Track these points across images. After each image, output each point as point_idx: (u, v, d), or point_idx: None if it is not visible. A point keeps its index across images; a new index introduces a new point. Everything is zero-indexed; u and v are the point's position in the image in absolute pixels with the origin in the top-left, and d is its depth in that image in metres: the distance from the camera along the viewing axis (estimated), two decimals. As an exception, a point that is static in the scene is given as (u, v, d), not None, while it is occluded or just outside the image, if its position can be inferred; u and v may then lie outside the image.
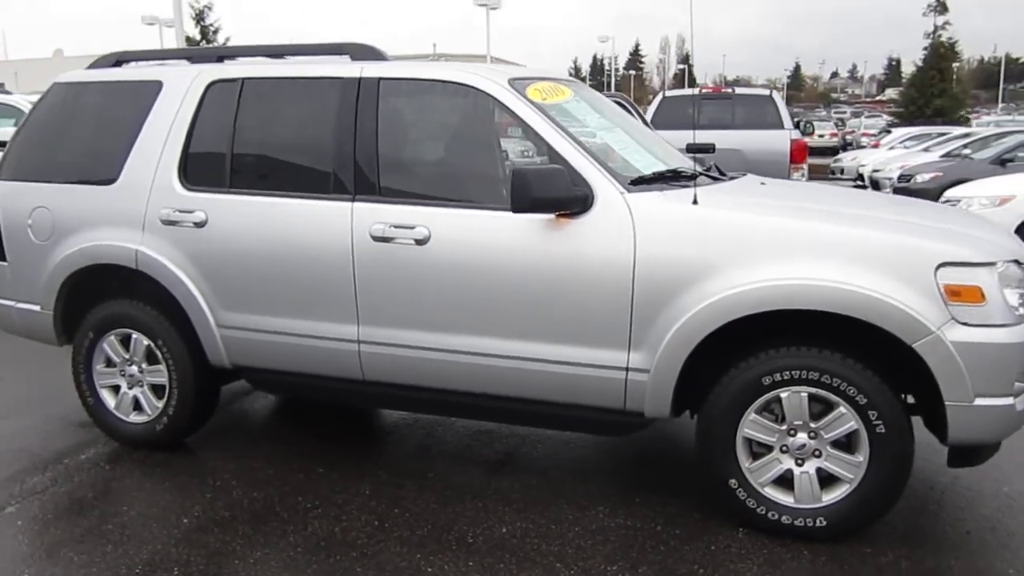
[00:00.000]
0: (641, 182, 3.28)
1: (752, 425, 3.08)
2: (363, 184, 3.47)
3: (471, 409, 3.56)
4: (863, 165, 17.84)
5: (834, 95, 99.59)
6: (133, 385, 4.01)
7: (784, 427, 3.06)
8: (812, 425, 3.03)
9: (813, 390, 2.99)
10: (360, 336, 3.49)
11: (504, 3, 37.68)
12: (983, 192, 9.28)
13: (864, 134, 27.96)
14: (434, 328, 3.38)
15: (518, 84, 3.45)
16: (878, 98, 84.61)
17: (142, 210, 3.80)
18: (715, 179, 3.63)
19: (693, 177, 3.39)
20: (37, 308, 4.10)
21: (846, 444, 3.02)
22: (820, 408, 3.02)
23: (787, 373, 2.99)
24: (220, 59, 4.03)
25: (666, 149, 3.95)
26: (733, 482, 3.12)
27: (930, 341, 2.80)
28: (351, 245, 3.43)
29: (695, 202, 3.10)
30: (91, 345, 4.02)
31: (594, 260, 3.13)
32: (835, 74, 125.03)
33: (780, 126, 9.84)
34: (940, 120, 27.35)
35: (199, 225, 3.69)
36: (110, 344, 3.99)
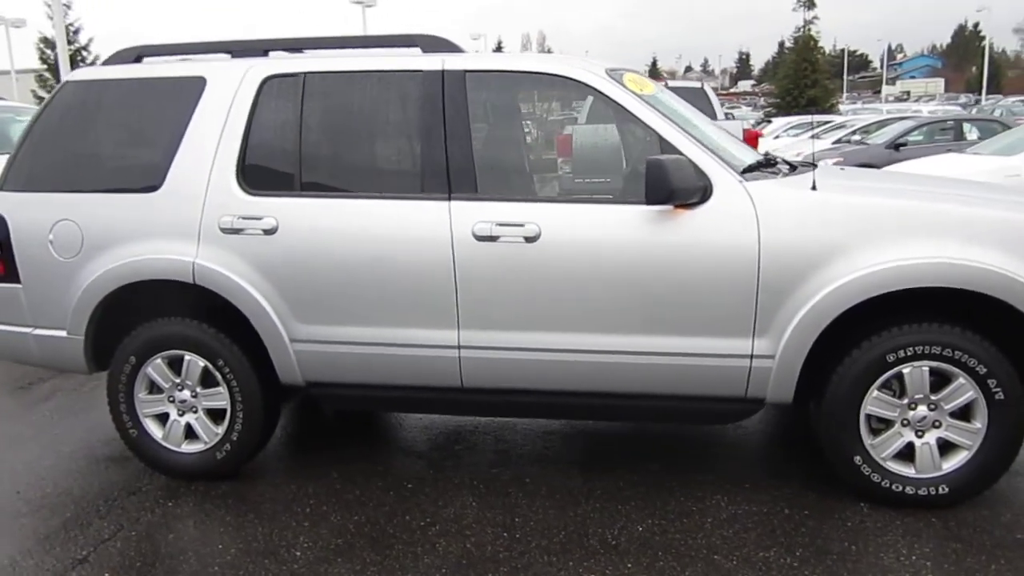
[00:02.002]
0: (749, 170, 3.30)
1: (875, 402, 3.17)
2: (460, 182, 3.31)
3: (579, 409, 3.48)
4: (756, 153, 18.71)
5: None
6: (185, 412, 3.66)
7: (905, 401, 3.17)
8: (932, 398, 3.15)
9: (934, 364, 3.10)
10: (461, 341, 3.34)
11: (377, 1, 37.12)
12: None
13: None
14: (545, 328, 3.27)
15: (615, 75, 3.39)
16: (731, 90, 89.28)
17: (196, 218, 3.47)
18: (793, 168, 3.70)
19: (813, 165, 3.43)
20: (62, 334, 3.67)
21: (962, 413, 3.17)
22: (936, 380, 3.15)
23: (911, 349, 3.10)
24: (265, 52, 3.73)
25: (736, 141, 3.99)
26: (858, 459, 3.20)
27: None
28: (451, 246, 3.27)
29: (814, 188, 3.16)
30: (133, 371, 3.63)
31: (719, 249, 3.13)
32: (689, 68, 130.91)
33: (714, 117, 10.18)
34: (814, 109, 29.24)
35: (269, 232, 3.40)
36: (156, 368, 3.63)
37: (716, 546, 3.01)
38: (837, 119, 20.79)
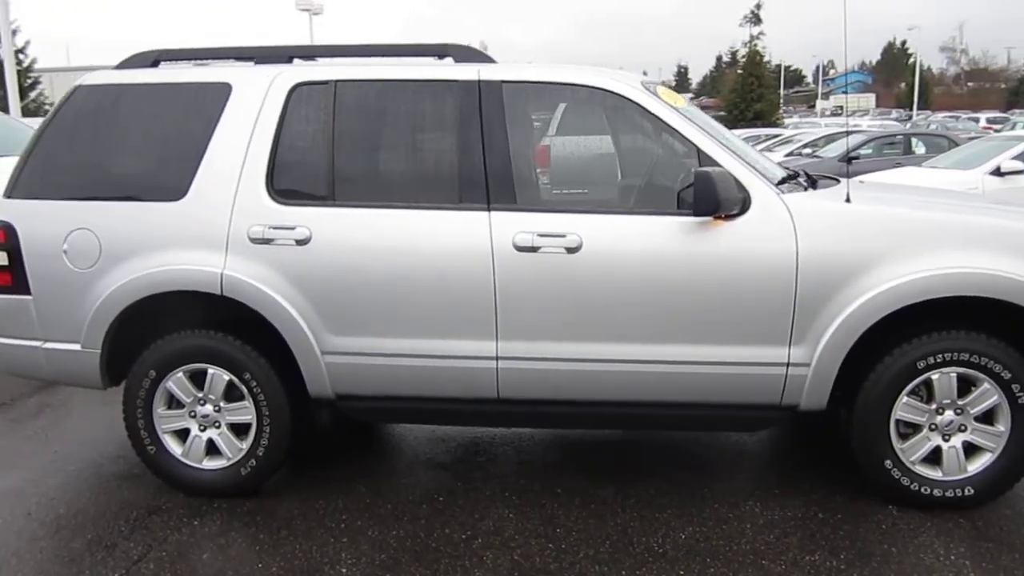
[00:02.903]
0: (782, 183, 3.38)
1: (905, 407, 3.27)
2: (499, 193, 3.30)
3: (615, 419, 3.50)
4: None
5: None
6: (207, 427, 3.55)
7: (933, 406, 3.28)
8: (959, 403, 3.27)
9: (962, 370, 3.22)
10: (499, 352, 3.32)
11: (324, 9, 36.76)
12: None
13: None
14: (585, 338, 3.29)
15: (649, 87, 3.44)
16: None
17: (223, 228, 3.39)
18: (814, 182, 3.79)
19: (846, 175, 3.52)
20: (75, 347, 3.53)
21: (985, 417, 3.29)
22: (961, 385, 3.27)
23: (940, 356, 3.21)
24: (290, 59, 3.67)
25: (761, 154, 4.07)
26: (888, 463, 3.30)
27: None
28: (491, 257, 3.26)
29: (848, 200, 3.25)
30: (152, 386, 3.51)
31: (758, 260, 3.19)
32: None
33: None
34: (760, 123, 30.05)
35: (302, 242, 3.34)
36: (177, 382, 3.51)
37: (761, 551, 3.06)
38: (785, 133, 21.39)
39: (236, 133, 3.44)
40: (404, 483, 3.73)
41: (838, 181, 3.68)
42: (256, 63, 3.67)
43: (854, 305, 3.16)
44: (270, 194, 3.39)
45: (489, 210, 3.29)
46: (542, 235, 3.24)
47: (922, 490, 3.30)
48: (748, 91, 34.04)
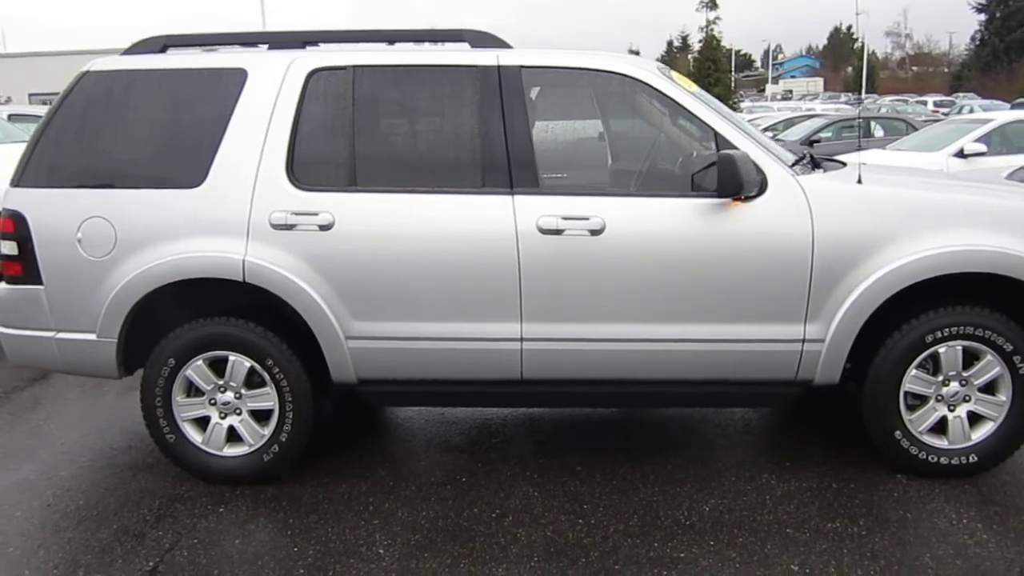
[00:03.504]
0: (793, 165, 3.48)
1: (913, 380, 3.41)
2: (521, 176, 3.34)
3: (635, 397, 3.59)
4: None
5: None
6: (227, 414, 3.54)
7: (939, 378, 3.43)
8: (964, 374, 3.42)
9: (967, 343, 3.37)
10: (523, 334, 3.38)
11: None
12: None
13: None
14: (608, 319, 3.36)
15: (665, 72, 3.50)
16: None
17: (244, 215, 3.37)
18: (817, 164, 3.90)
19: (842, 163, 3.63)
20: (91, 337, 3.48)
21: (988, 387, 3.45)
22: (965, 358, 3.42)
23: (947, 330, 3.35)
24: (304, 45, 3.64)
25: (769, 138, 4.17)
26: (898, 434, 3.44)
27: None
28: (515, 240, 3.30)
29: (859, 181, 3.37)
30: (172, 374, 3.49)
31: (775, 239, 3.29)
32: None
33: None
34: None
35: (325, 228, 3.34)
36: (197, 370, 3.49)
37: (784, 521, 3.17)
38: (746, 117, 21.69)
39: (254, 119, 3.42)
40: (423, 465, 3.77)
41: (844, 164, 3.80)
42: (269, 48, 3.65)
43: (867, 283, 3.28)
44: (291, 180, 3.38)
45: (512, 194, 3.33)
46: (566, 218, 3.29)
47: (929, 459, 3.45)
48: (705, 75, 34.49)
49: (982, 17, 53.34)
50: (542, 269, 3.32)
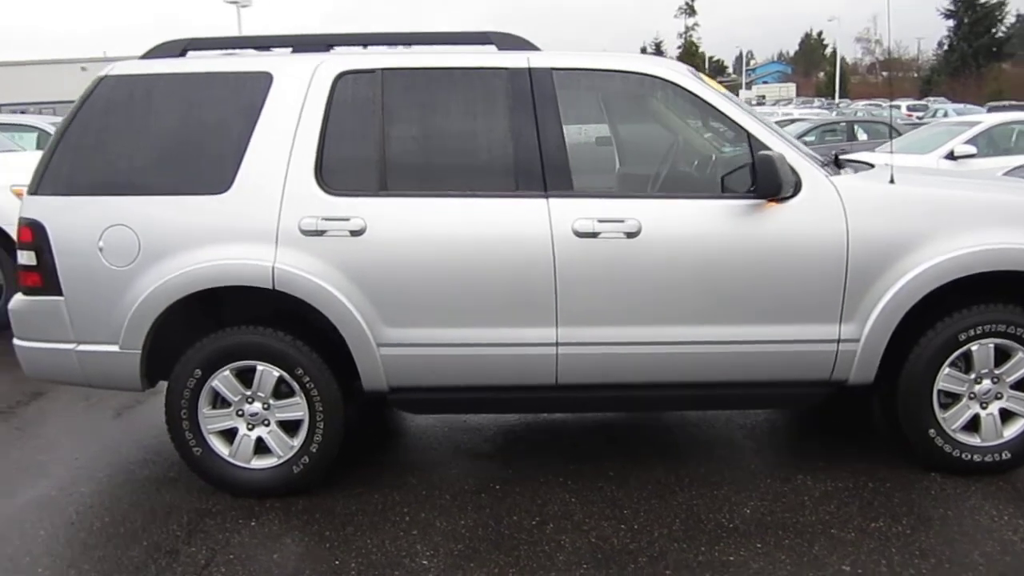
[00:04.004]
0: (824, 166, 3.48)
1: (946, 378, 3.42)
2: (555, 179, 3.31)
3: (669, 401, 3.57)
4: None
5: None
6: (255, 425, 3.46)
7: (972, 376, 3.44)
8: (996, 372, 3.43)
9: (999, 340, 3.39)
10: (559, 338, 3.34)
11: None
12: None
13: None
14: (644, 322, 3.33)
15: (694, 73, 3.49)
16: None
17: (273, 221, 3.30)
18: (840, 166, 3.91)
19: (870, 164, 3.63)
20: (113, 348, 3.39)
21: (1019, 384, 3.47)
22: (998, 355, 3.44)
23: (980, 328, 3.37)
24: (328, 47, 3.59)
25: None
26: (932, 432, 3.44)
27: None
28: (551, 243, 3.27)
29: (892, 181, 3.38)
30: (198, 385, 3.40)
31: (811, 240, 3.29)
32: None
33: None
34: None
35: (356, 233, 3.28)
36: (224, 381, 3.41)
37: (827, 521, 3.16)
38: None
39: (281, 123, 3.35)
40: (454, 473, 3.71)
41: (872, 165, 3.81)
42: (294, 51, 3.59)
43: (902, 282, 3.28)
44: (320, 185, 3.32)
45: (547, 197, 3.30)
46: (602, 220, 3.27)
47: (963, 456, 3.46)
48: (684, 80, 34.38)
49: (950, 23, 54.33)
50: (578, 272, 3.29)
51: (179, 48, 3.58)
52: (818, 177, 3.33)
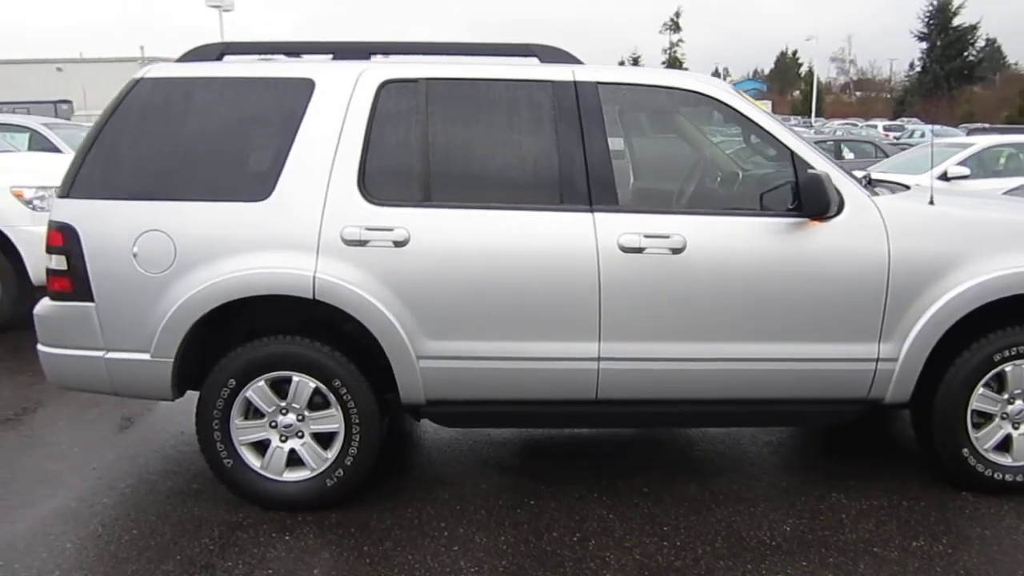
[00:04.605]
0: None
1: (980, 399, 3.46)
2: (600, 194, 3.30)
3: (708, 417, 3.56)
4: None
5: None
6: (288, 437, 3.40)
7: (1005, 396, 3.48)
8: (1027, 392, 3.48)
9: (1032, 362, 3.44)
10: (601, 353, 3.32)
11: (235, 4, 35.56)
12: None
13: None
14: (687, 338, 3.33)
15: (736, 91, 3.51)
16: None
17: (314, 230, 3.25)
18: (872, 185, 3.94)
19: (905, 186, 3.66)
20: (144, 357, 3.31)
21: (1047, 405, 3.52)
22: None
23: (1014, 349, 3.41)
24: (368, 55, 3.56)
25: None
26: (965, 451, 3.47)
27: None
28: (596, 258, 3.25)
29: (931, 202, 3.41)
30: (231, 396, 3.34)
31: (853, 259, 3.31)
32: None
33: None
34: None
35: (400, 244, 3.24)
36: (258, 391, 3.35)
37: (868, 540, 3.17)
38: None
39: (323, 131, 3.31)
40: (485, 488, 3.67)
41: (906, 187, 3.85)
42: (334, 58, 3.55)
43: (940, 302, 3.31)
44: (363, 194, 3.28)
45: (592, 211, 3.29)
46: (648, 236, 3.26)
47: (995, 476, 3.49)
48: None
49: (923, 45, 55.44)
50: (622, 288, 3.28)
51: (216, 52, 3.52)
52: (861, 197, 3.35)
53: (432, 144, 3.33)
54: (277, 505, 3.41)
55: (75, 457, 4.02)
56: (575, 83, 3.38)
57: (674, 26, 36.71)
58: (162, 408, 4.57)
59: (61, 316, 3.35)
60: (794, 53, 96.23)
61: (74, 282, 3.30)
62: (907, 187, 3.86)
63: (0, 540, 3.19)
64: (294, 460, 3.41)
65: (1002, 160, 10.05)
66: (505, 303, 3.28)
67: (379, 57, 3.63)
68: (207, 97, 3.38)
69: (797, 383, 3.40)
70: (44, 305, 3.41)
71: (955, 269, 3.33)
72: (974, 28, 53.85)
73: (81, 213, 3.29)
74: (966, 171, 9.41)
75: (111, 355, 3.34)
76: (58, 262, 3.32)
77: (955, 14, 53.46)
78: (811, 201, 3.17)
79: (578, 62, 3.53)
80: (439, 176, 3.33)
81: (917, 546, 3.12)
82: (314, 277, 3.23)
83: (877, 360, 3.37)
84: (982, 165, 9.83)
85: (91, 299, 3.30)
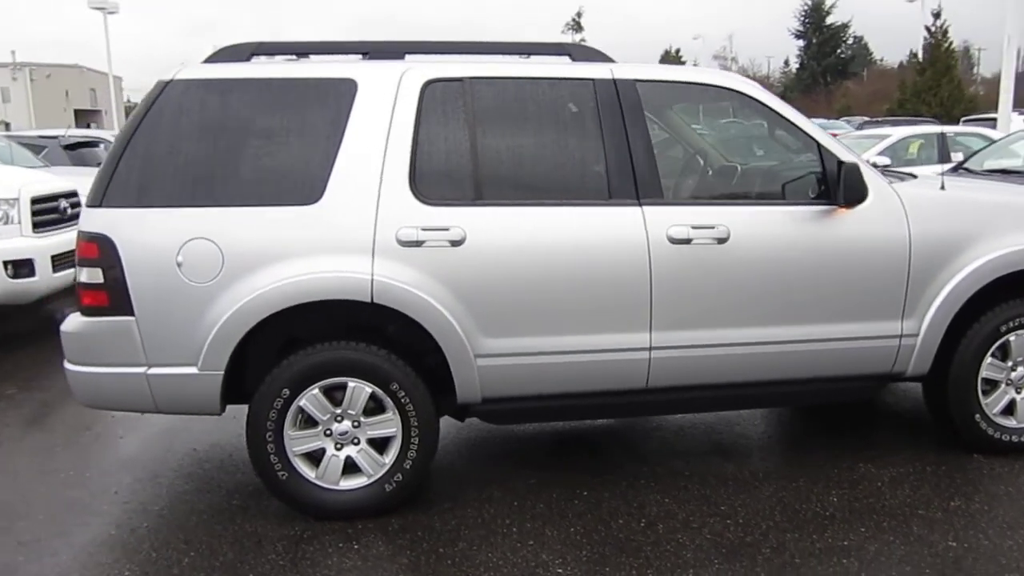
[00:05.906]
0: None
1: (989, 367, 3.75)
2: (647, 188, 3.39)
3: (747, 399, 3.71)
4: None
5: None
6: (343, 445, 3.33)
7: (1009, 364, 3.79)
8: (1030, 359, 3.80)
9: (1033, 330, 3.76)
10: (652, 343, 3.42)
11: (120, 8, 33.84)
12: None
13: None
14: (731, 324, 3.46)
15: (764, 89, 3.67)
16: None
17: (369, 232, 3.21)
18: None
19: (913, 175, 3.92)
20: (191, 371, 3.18)
21: (1045, 370, 3.86)
22: (1025, 345, 3.80)
23: (1017, 320, 3.72)
24: (403, 55, 3.52)
25: None
26: (977, 416, 3.76)
27: None
28: (647, 250, 3.35)
29: (943, 187, 3.68)
30: (285, 405, 3.25)
31: (880, 243, 3.53)
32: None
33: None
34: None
35: (456, 243, 3.24)
36: (312, 399, 3.27)
37: (911, 503, 3.39)
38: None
39: (371, 131, 3.27)
40: (533, 483, 3.70)
41: (915, 176, 4.13)
42: (365, 58, 3.50)
43: (956, 279, 3.58)
44: (415, 195, 3.26)
45: (640, 205, 3.38)
46: (695, 227, 3.38)
47: (1003, 438, 3.80)
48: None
49: (800, 43, 58.46)
50: (672, 278, 3.38)
51: (246, 53, 3.41)
52: (883, 185, 3.58)
53: (480, 143, 3.34)
54: (333, 515, 3.34)
55: (90, 482, 3.80)
56: (615, 80, 3.46)
57: (576, 26, 37.32)
58: (152, 421, 4.37)
59: (96, 332, 3.17)
60: (677, 51, 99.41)
61: (111, 296, 3.13)
62: (914, 176, 4.13)
63: (49, 573, 2.99)
64: (350, 468, 3.35)
65: (912, 149, 10.80)
66: (561, 298, 3.33)
67: (413, 57, 3.60)
68: (245, 98, 3.27)
69: (829, 362, 3.60)
70: (74, 321, 3.22)
71: (967, 249, 3.60)
72: (845, 27, 57.21)
73: (117, 222, 3.13)
74: (887, 160, 10.06)
75: (154, 371, 3.19)
76: (91, 275, 3.14)
77: (828, 13, 56.62)
78: (850, 189, 3.37)
79: (610, 60, 3.61)
80: (489, 175, 3.34)
81: (955, 506, 3.36)
82: (372, 280, 3.18)
83: (900, 336, 3.61)
84: (895, 155, 10.53)
85: (131, 313, 3.14)
